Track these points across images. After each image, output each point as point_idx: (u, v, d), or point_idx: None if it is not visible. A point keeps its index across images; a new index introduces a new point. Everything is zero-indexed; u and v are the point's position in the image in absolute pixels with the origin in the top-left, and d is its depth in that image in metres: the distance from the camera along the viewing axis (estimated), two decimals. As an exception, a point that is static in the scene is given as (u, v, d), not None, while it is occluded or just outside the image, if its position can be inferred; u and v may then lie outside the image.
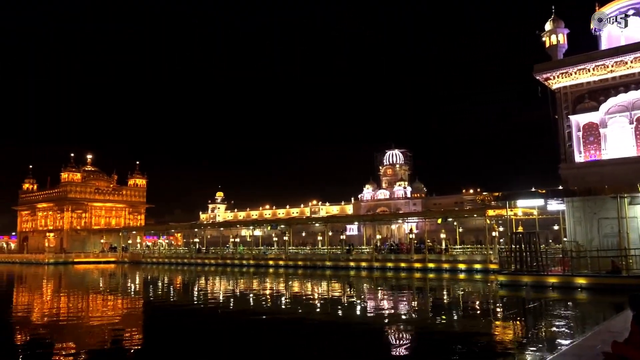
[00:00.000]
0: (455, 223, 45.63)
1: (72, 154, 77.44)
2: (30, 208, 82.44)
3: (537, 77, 26.58)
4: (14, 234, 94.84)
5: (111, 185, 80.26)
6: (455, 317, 16.84)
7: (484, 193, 32.35)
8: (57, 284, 33.82)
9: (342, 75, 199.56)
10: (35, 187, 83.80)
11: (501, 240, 38.25)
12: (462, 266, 34.52)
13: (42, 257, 62.61)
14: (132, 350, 12.12)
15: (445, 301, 21.78)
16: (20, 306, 22.23)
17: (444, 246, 40.20)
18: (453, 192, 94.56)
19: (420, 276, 32.97)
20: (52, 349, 12.24)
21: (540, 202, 27.49)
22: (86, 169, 79.00)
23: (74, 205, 74.56)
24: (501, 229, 38.91)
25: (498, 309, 18.83)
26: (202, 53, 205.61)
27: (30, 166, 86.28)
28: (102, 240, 69.07)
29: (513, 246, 24.20)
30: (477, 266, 33.74)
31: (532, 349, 11.29)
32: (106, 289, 29.52)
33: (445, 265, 35.35)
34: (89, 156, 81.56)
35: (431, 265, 35.90)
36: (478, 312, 18.52)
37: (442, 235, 41.21)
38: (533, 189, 31.98)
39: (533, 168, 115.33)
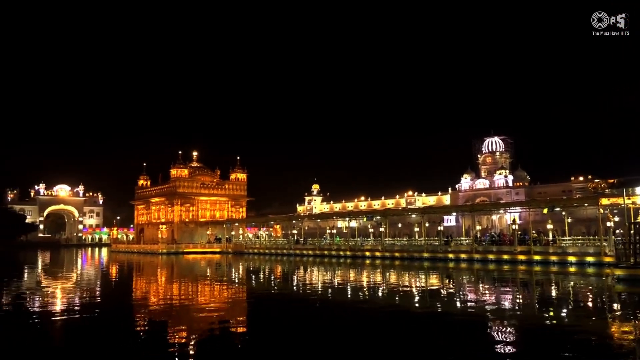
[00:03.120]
0: (563, 213, 42.83)
1: (180, 152, 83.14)
2: (145, 202, 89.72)
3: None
4: (132, 226, 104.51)
5: (215, 180, 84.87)
6: (566, 313, 15.76)
7: (597, 180, 29.81)
8: (170, 272, 36.51)
9: (437, 61, 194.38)
10: (148, 183, 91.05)
11: (617, 231, 35.21)
12: (572, 259, 32.31)
13: (156, 247, 68.02)
14: (238, 335, 12.79)
15: (553, 296, 20.50)
16: (139, 291, 24.35)
17: (551, 237, 37.88)
18: (559, 180, 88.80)
19: (525, 269, 31.32)
20: (167, 330, 13.30)
21: (664, 188, 24.85)
22: (192, 165, 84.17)
23: (183, 199, 79.94)
24: (617, 218, 35.85)
25: (615, 306, 17.35)
26: (293, 48, 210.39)
27: (145, 163, 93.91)
28: (208, 232, 73.35)
29: (633, 237, 22.14)
30: (590, 259, 31.41)
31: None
32: (213, 277, 31.38)
33: (553, 258, 33.32)
34: (195, 153, 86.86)
35: (537, 257, 34.02)
36: (592, 308, 17.20)
37: (549, 226, 38.81)
38: (655, 175, 28.95)
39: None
